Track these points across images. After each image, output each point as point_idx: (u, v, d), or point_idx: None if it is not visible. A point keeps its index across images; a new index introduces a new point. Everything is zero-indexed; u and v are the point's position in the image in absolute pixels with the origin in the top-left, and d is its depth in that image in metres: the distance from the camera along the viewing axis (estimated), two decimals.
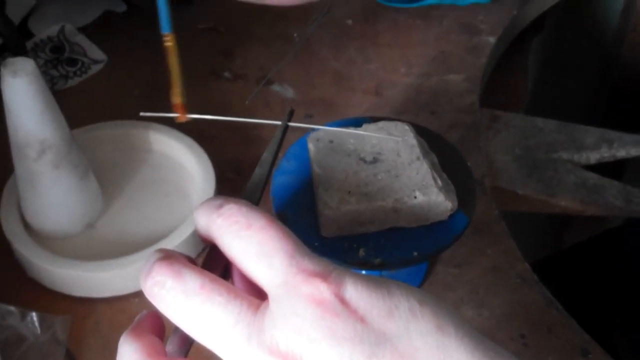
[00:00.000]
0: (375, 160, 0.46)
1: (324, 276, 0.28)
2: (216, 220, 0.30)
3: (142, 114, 0.40)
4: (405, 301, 0.28)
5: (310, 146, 0.47)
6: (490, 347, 0.28)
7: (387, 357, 0.27)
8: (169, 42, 0.39)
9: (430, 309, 0.28)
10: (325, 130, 0.48)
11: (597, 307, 0.69)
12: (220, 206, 0.30)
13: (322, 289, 0.28)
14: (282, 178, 0.48)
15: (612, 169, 0.64)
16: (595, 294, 0.72)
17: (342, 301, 0.28)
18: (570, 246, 0.86)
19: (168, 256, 0.29)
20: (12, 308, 0.48)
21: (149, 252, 0.32)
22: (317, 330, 0.27)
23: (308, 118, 0.65)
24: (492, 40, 0.72)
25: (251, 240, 0.29)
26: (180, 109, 0.41)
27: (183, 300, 0.28)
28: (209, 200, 0.31)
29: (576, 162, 0.60)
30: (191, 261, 0.30)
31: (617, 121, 0.68)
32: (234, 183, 0.58)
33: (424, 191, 0.43)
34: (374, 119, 0.49)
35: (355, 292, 0.28)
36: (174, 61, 0.40)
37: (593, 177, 0.59)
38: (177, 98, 0.41)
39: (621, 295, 0.68)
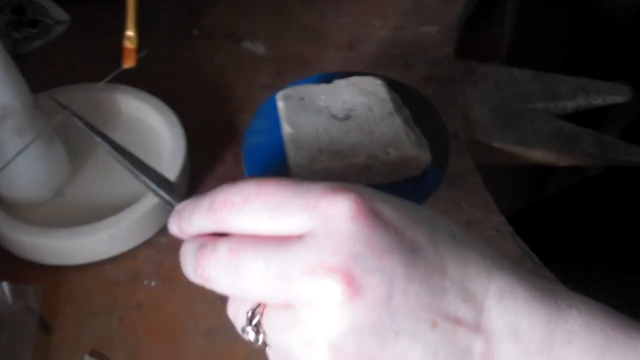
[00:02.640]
0: (347, 117, 0.45)
1: (346, 192, 0.28)
2: (215, 216, 0.30)
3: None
4: (423, 213, 0.30)
5: (280, 104, 0.46)
6: (495, 254, 0.30)
7: (421, 265, 0.28)
8: None
9: (442, 221, 0.30)
10: (296, 87, 0.47)
11: (575, 257, 0.70)
12: (211, 204, 0.30)
13: (351, 204, 0.28)
14: (253, 138, 0.47)
15: (589, 118, 0.63)
16: (573, 244, 0.72)
17: (375, 213, 0.28)
18: (548, 197, 0.86)
19: (202, 245, 0.31)
20: None
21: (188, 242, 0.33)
22: (357, 244, 0.28)
23: (280, 76, 0.63)
24: None
25: (256, 209, 0.29)
26: (132, 54, 0.40)
27: (222, 272, 0.30)
28: (196, 210, 0.32)
29: (552, 111, 0.59)
30: None
31: (594, 69, 0.67)
32: (204, 145, 0.57)
33: (397, 147, 0.43)
34: (345, 74, 0.48)
35: (382, 204, 0.29)
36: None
37: (568, 127, 0.58)
38: (129, 42, 0.39)
39: (598, 244, 0.69)
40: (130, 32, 0.39)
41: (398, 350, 0.28)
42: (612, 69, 0.73)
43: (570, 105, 0.60)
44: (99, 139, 0.36)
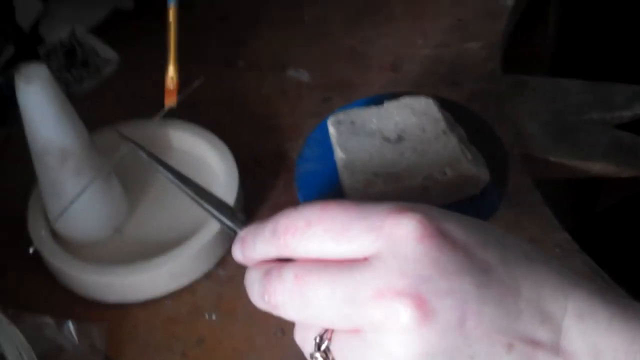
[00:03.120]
0: (399, 139, 0.44)
1: (411, 212, 0.28)
2: (279, 241, 0.30)
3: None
4: (492, 232, 0.29)
5: (332, 130, 0.46)
6: (570, 272, 0.29)
7: (494, 286, 0.27)
8: (171, 16, 0.38)
9: (512, 238, 0.29)
10: (346, 112, 0.46)
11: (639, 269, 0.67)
12: (274, 230, 0.30)
13: (417, 224, 0.27)
14: (306, 166, 0.47)
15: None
16: (636, 257, 0.69)
17: (442, 233, 0.28)
18: (604, 210, 0.83)
19: (268, 271, 0.31)
20: (48, 318, 0.47)
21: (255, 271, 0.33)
22: (426, 266, 0.27)
23: (326, 102, 0.63)
24: (509, 2, 0.69)
25: (320, 233, 0.29)
26: (172, 94, 0.41)
27: (288, 298, 0.29)
28: (259, 236, 0.32)
29: (608, 122, 0.58)
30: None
31: None
32: (255, 174, 0.57)
33: (454, 166, 0.42)
34: (395, 95, 0.48)
35: (450, 223, 0.28)
36: (171, 39, 0.39)
37: (627, 136, 0.56)
38: (170, 82, 0.40)
39: None
40: (171, 73, 0.40)
41: None
42: None
43: (626, 114, 0.58)
44: (162, 169, 0.36)
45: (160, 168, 0.37)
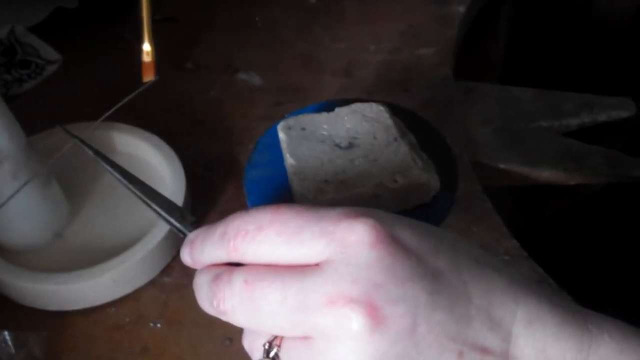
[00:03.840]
0: (351, 145, 0.44)
1: (364, 218, 0.27)
2: (229, 245, 0.29)
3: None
4: (444, 237, 0.29)
5: (282, 135, 0.45)
6: (520, 277, 0.29)
7: (445, 293, 0.27)
8: None
9: (463, 244, 0.29)
10: (297, 117, 0.46)
11: (584, 277, 0.68)
12: (224, 233, 0.29)
13: (370, 230, 0.27)
14: (255, 172, 0.46)
15: (594, 134, 0.62)
16: (580, 263, 0.71)
17: (395, 240, 0.27)
18: (550, 215, 0.85)
19: (217, 276, 0.30)
20: None
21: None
22: (378, 273, 0.26)
23: (278, 106, 0.62)
24: (461, 9, 0.70)
25: (271, 237, 0.28)
26: (151, 67, 0.39)
27: (238, 304, 0.29)
28: (208, 239, 0.31)
29: (557, 129, 0.59)
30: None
31: (595, 85, 0.67)
32: (203, 179, 0.56)
33: (405, 173, 0.42)
34: (346, 102, 0.47)
35: (402, 229, 0.28)
36: (145, 13, 0.38)
37: (575, 144, 0.57)
38: (146, 55, 0.39)
39: (605, 262, 0.67)
40: (147, 46, 0.39)
41: None
42: (609, 82, 0.72)
43: (574, 122, 0.59)
44: (108, 167, 0.35)
45: (107, 166, 0.35)
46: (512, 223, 0.55)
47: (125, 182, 0.35)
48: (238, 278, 0.29)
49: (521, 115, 0.59)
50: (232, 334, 0.47)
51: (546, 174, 0.55)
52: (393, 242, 0.27)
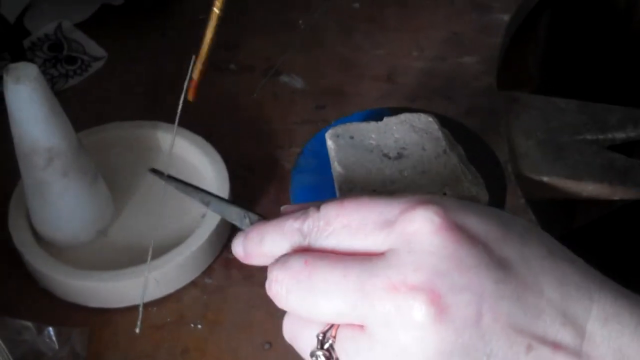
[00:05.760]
0: (399, 156, 0.43)
1: (427, 205, 0.27)
2: (303, 241, 0.29)
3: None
4: (514, 225, 0.28)
5: (330, 143, 0.45)
6: (596, 272, 0.28)
7: (512, 282, 0.26)
8: (217, 7, 0.36)
9: (536, 234, 0.28)
10: (345, 125, 0.45)
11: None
12: (299, 229, 0.29)
13: (434, 217, 0.26)
14: (301, 177, 0.46)
15: (628, 148, 0.61)
16: (615, 273, 0.70)
17: (459, 227, 0.26)
18: (582, 225, 0.84)
19: (283, 262, 0.29)
20: (27, 323, 0.46)
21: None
22: (442, 260, 0.26)
23: (319, 110, 0.62)
24: (505, 18, 0.69)
25: (337, 231, 0.28)
26: (194, 87, 0.39)
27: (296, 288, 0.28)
28: (270, 233, 0.30)
29: (601, 143, 0.58)
30: None
31: (633, 98, 0.66)
32: (247, 181, 0.56)
33: (454, 186, 0.41)
34: (393, 111, 0.47)
35: (467, 216, 0.27)
36: (209, 32, 0.38)
37: (620, 158, 0.56)
38: (196, 74, 0.39)
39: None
40: (200, 66, 0.39)
41: None
42: None
43: (619, 136, 0.58)
44: (192, 195, 0.36)
45: (196, 196, 0.36)
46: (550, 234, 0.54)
47: (205, 204, 0.36)
48: (298, 259, 0.28)
49: (565, 127, 0.59)
50: (271, 338, 0.47)
51: (590, 188, 0.55)
52: (457, 229, 0.26)
